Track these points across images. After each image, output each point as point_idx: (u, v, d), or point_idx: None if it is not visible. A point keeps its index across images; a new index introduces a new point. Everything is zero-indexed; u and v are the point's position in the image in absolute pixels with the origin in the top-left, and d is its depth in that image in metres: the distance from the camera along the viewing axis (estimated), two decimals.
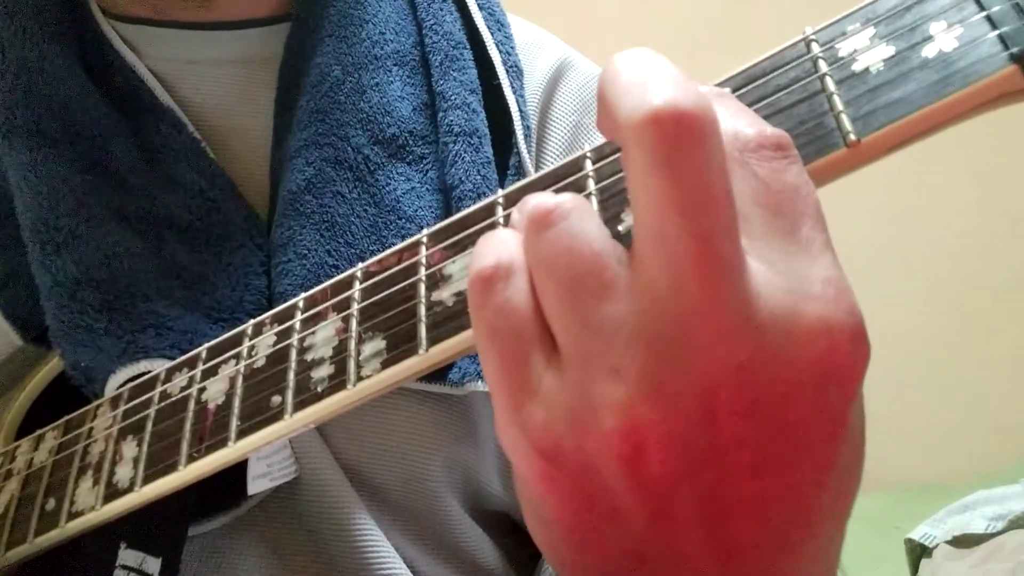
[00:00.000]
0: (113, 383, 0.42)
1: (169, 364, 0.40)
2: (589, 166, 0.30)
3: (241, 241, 0.48)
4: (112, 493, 0.38)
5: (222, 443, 0.35)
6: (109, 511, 0.38)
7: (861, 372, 0.24)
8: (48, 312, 0.44)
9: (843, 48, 0.28)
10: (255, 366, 0.36)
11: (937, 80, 0.26)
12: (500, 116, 0.54)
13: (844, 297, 0.24)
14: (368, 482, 0.48)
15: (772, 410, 0.23)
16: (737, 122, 0.26)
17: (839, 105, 0.27)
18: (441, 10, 0.56)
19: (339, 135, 0.50)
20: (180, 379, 0.39)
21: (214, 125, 0.53)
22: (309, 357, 0.34)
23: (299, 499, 0.47)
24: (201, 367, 0.38)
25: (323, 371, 0.33)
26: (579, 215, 0.25)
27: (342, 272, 0.36)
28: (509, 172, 0.53)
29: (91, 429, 0.41)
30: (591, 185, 0.29)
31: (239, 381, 0.36)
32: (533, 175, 0.32)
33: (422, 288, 0.32)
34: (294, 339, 0.35)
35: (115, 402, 0.41)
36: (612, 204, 0.29)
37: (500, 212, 0.32)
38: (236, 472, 0.43)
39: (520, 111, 0.54)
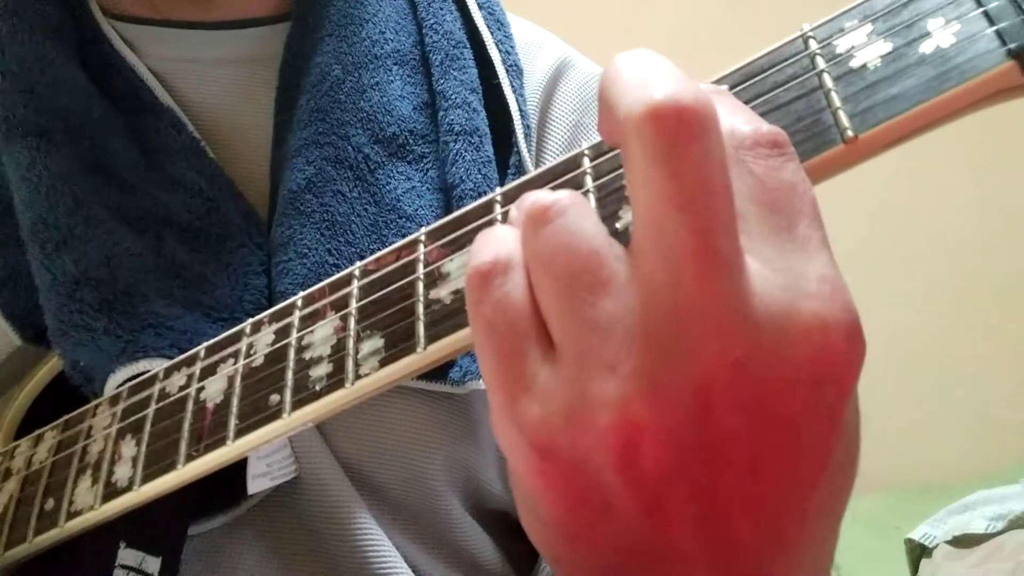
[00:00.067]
0: (112, 382, 0.42)
1: (168, 363, 0.40)
2: (587, 163, 0.30)
3: (241, 240, 0.48)
4: (111, 492, 0.38)
5: (221, 442, 0.35)
6: (108, 510, 0.38)
7: (856, 370, 0.24)
8: (47, 311, 0.44)
9: (841, 44, 0.28)
10: (253, 365, 0.36)
11: (935, 76, 0.26)
12: (500, 115, 0.54)
13: (840, 295, 0.24)
14: (368, 481, 0.48)
15: (767, 407, 0.23)
16: (733, 119, 0.26)
17: (837, 101, 0.27)
18: (441, 9, 0.56)
19: (339, 134, 0.50)
20: (179, 378, 0.39)
21: (214, 125, 0.53)
22: (307, 356, 0.34)
23: (299, 498, 0.47)
24: (199, 366, 0.38)
25: (321, 370, 0.33)
26: (576, 212, 0.25)
27: (342, 271, 0.36)
28: (509, 171, 0.53)
29: (90, 428, 0.41)
30: (589, 182, 0.29)
31: (237, 380, 0.36)
32: (532, 172, 0.32)
33: (420, 286, 0.32)
34: (292, 338, 0.35)
35: (114, 401, 0.41)
36: (610, 201, 0.29)
37: (498, 210, 0.32)
38: (236, 471, 0.43)
39: (520, 110, 0.54)
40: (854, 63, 0.27)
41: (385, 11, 0.56)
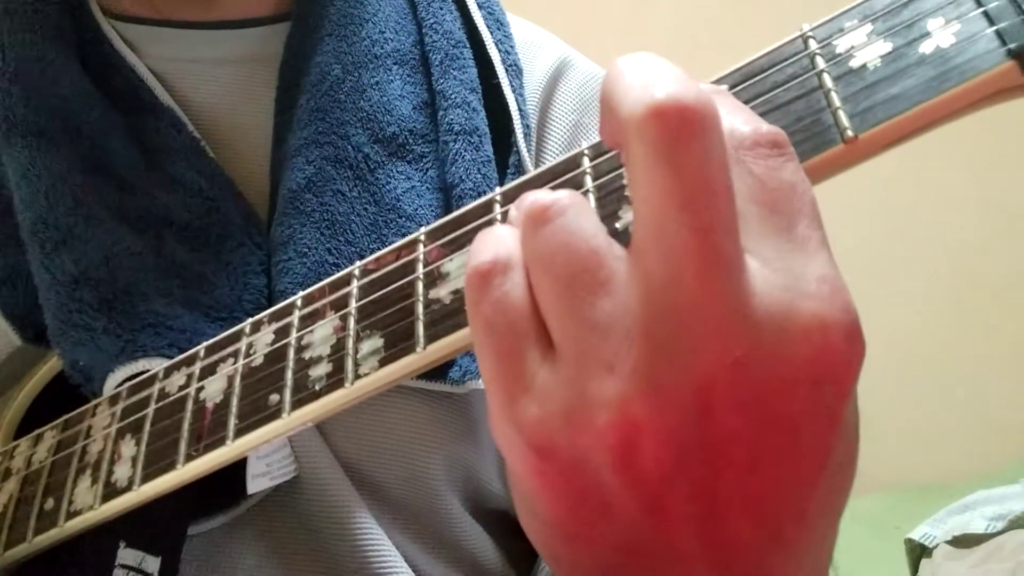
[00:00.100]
0: (111, 382, 0.42)
1: (167, 363, 0.40)
2: (587, 163, 0.30)
3: (240, 240, 0.48)
4: (111, 492, 0.38)
5: (220, 442, 0.35)
6: (108, 510, 0.38)
7: (856, 370, 0.24)
8: (46, 311, 0.44)
9: (840, 44, 0.28)
10: (253, 364, 0.36)
11: (934, 76, 0.26)
12: (500, 115, 0.54)
13: (839, 295, 0.24)
14: (368, 481, 0.48)
15: (767, 406, 0.23)
16: (733, 119, 0.26)
17: (836, 101, 0.27)
18: (441, 9, 0.56)
19: (339, 134, 0.50)
20: (178, 378, 0.39)
21: (214, 124, 0.53)
22: (307, 355, 0.34)
23: (299, 498, 0.47)
24: (199, 366, 0.38)
25: (321, 369, 0.33)
26: (576, 212, 0.25)
27: (342, 270, 0.36)
28: (509, 171, 0.53)
29: (89, 428, 0.41)
30: (588, 182, 0.29)
31: (237, 380, 0.36)
32: (531, 172, 0.32)
33: (420, 286, 0.32)
34: (292, 337, 0.35)
35: (113, 401, 0.41)
36: (609, 201, 0.29)
37: (498, 209, 0.32)
38: (235, 471, 0.43)
39: (520, 110, 0.54)
40: (854, 63, 0.27)
41: (385, 11, 0.56)
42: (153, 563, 0.42)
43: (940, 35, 0.26)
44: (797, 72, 0.28)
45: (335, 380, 0.33)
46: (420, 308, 0.31)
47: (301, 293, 0.37)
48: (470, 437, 0.50)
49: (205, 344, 0.39)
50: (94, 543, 0.41)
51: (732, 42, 1.80)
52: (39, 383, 0.47)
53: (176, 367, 0.40)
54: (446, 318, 0.31)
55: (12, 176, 0.47)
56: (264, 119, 0.53)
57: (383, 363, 0.32)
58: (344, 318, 0.34)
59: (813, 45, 0.28)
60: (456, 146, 0.51)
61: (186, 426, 0.37)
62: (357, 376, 0.32)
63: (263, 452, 0.45)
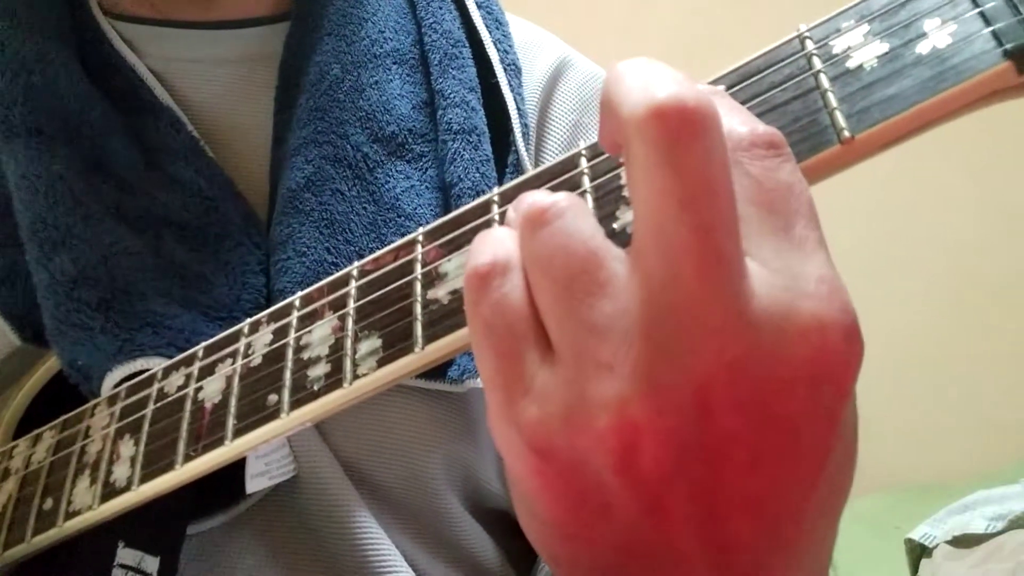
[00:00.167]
0: (109, 381, 0.42)
1: (166, 363, 0.40)
2: (584, 163, 0.30)
3: (239, 240, 0.48)
4: (109, 492, 0.38)
5: (219, 442, 0.35)
6: (107, 510, 0.38)
7: (855, 370, 0.24)
8: (45, 310, 0.44)
9: (837, 45, 0.28)
10: (251, 365, 0.36)
11: (931, 76, 0.26)
12: (499, 114, 0.54)
13: (837, 295, 0.24)
14: (367, 480, 0.48)
15: (766, 407, 0.23)
16: (730, 120, 0.26)
17: (833, 102, 0.27)
18: (440, 9, 0.56)
19: (338, 133, 0.50)
20: (177, 378, 0.39)
21: (213, 124, 0.53)
22: (305, 355, 0.34)
23: (298, 497, 0.47)
24: (198, 366, 0.38)
25: (319, 369, 0.33)
26: (574, 213, 0.25)
27: (341, 270, 0.36)
28: (508, 170, 0.53)
29: (88, 428, 0.41)
30: (586, 182, 0.29)
31: (236, 380, 0.36)
32: (529, 172, 0.32)
33: (418, 286, 0.32)
34: (290, 338, 0.35)
35: (112, 401, 0.41)
36: (607, 202, 0.29)
37: (496, 210, 0.32)
38: (234, 471, 0.43)
39: (518, 109, 0.54)
40: (851, 63, 0.27)
41: (384, 10, 0.56)
42: (152, 563, 0.42)
43: (936, 36, 0.26)
44: (794, 72, 0.28)
45: (333, 380, 0.33)
46: (418, 308, 0.31)
47: (299, 293, 0.37)
48: (469, 436, 0.50)
49: (204, 344, 0.39)
50: (93, 543, 0.41)
51: (732, 42, 1.80)
52: (38, 383, 0.47)
53: (175, 367, 0.40)
54: (444, 318, 0.31)
55: (11, 176, 0.47)
56: (263, 119, 0.53)
57: (381, 363, 0.32)
58: (342, 318, 0.34)
59: (810, 45, 0.28)
60: (455, 145, 0.51)
61: (185, 426, 0.37)
62: (355, 376, 0.32)
63: (262, 452, 0.45)
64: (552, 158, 0.55)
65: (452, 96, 0.52)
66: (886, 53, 0.27)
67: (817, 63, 0.28)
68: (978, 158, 1.88)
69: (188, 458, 0.36)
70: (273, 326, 0.37)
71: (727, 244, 0.23)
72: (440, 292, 0.31)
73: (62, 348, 0.44)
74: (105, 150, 0.48)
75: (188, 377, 0.38)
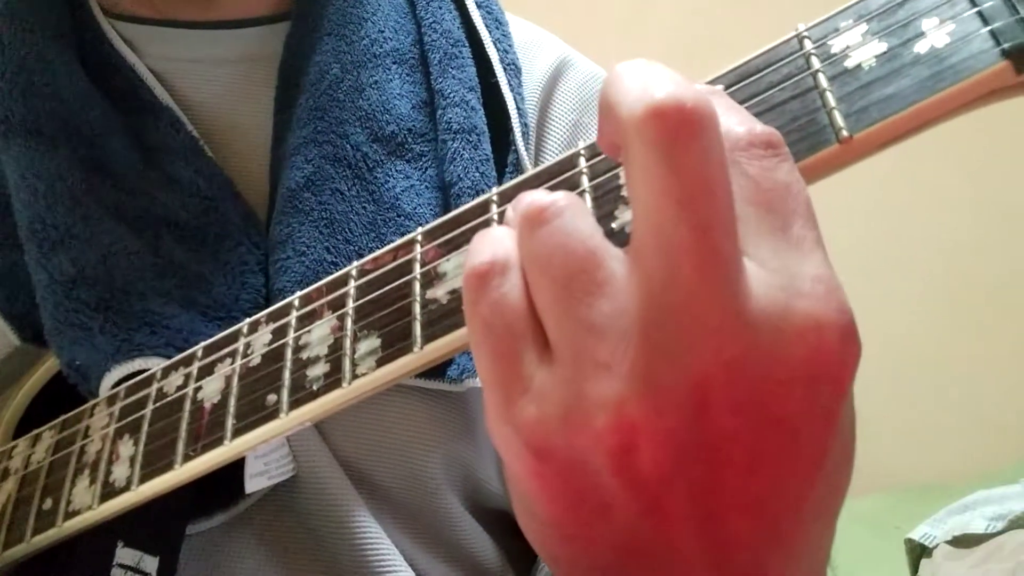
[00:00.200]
0: (108, 381, 0.42)
1: (165, 363, 0.40)
2: (583, 163, 0.30)
3: (238, 239, 0.48)
4: (109, 492, 0.38)
5: (218, 442, 0.35)
6: (106, 510, 0.38)
7: (852, 370, 0.24)
8: (43, 310, 0.44)
9: (835, 44, 0.28)
10: (251, 364, 0.36)
11: (929, 76, 0.26)
12: (499, 114, 0.54)
13: (834, 295, 0.24)
14: (367, 479, 0.48)
15: (763, 406, 0.23)
16: (728, 120, 0.26)
17: (831, 101, 0.27)
18: (440, 8, 0.56)
19: (338, 133, 0.50)
20: (176, 378, 0.39)
21: (213, 124, 0.53)
22: (304, 355, 0.34)
23: (297, 497, 0.47)
24: (197, 366, 0.38)
25: (318, 369, 0.33)
26: (573, 213, 0.25)
27: (341, 269, 0.36)
28: (507, 170, 0.53)
29: (87, 428, 0.41)
30: (585, 182, 0.30)
31: (235, 380, 0.36)
32: (528, 172, 0.32)
33: (417, 286, 0.32)
34: (289, 337, 0.35)
35: (111, 401, 0.41)
36: (606, 201, 0.29)
37: (495, 209, 0.32)
38: (233, 470, 0.43)
39: (518, 108, 0.54)
40: (849, 63, 0.27)
41: (384, 10, 0.56)
42: (151, 563, 0.42)
43: (935, 35, 0.26)
44: (792, 72, 0.28)
45: (332, 380, 0.33)
46: (417, 308, 0.31)
47: (298, 293, 0.37)
48: (468, 436, 0.50)
49: (203, 344, 0.39)
50: (92, 543, 0.41)
51: (732, 42, 1.80)
52: (37, 383, 0.47)
53: (174, 367, 0.40)
54: (443, 318, 0.31)
55: (10, 176, 0.47)
56: (263, 118, 0.53)
57: (380, 363, 0.32)
58: (341, 318, 0.34)
59: (808, 45, 0.28)
60: (455, 145, 0.51)
61: (184, 426, 0.37)
62: (355, 376, 0.32)
63: (261, 451, 0.45)
64: (552, 158, 0.55)
65: (452, 96, 0.52)
66: (884, 52, 0.27)
67: (815, 62, 0.28)
68: (976, 158, 1.88)
69: (187, 458, 0.36)
70: (272, 326, 0.37)
71: (725, 244, 0.23)
72: (439, 292, 0.31)
73: (61, 348, 0.44)
74: (105, 150, 0.48)
75: (187, 377, 0.39)
